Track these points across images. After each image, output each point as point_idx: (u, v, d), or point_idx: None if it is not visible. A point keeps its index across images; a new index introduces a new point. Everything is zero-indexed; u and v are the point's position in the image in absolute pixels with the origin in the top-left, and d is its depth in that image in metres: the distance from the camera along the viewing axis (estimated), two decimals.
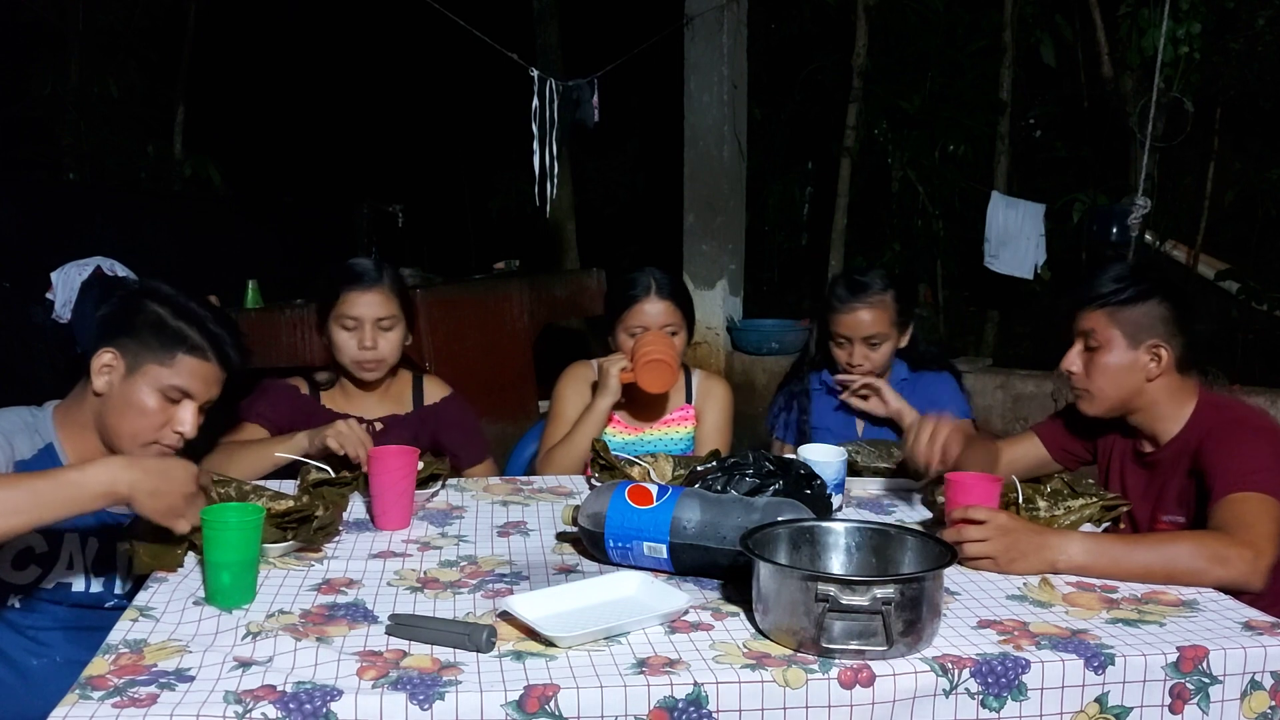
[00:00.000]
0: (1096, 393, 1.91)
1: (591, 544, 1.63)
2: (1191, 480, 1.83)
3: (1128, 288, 1.88)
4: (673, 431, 2.51)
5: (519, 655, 1.26)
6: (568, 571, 1.62)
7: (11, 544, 1.63)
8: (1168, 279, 1.96)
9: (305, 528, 1.67)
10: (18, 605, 1.66)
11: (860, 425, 2.58)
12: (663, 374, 2.30)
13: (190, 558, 1.58)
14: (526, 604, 1.37)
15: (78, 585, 1.72)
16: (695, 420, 2.52)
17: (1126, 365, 1.88)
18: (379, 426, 2.28)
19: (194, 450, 1.82)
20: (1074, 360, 1.93)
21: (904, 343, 2.55)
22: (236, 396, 2.35)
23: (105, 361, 1.70)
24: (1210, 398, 1.91)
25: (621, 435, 2.49)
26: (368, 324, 2.27)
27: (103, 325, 1.74)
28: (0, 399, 1.76)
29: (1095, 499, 1.86)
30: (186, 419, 1.72)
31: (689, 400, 2.54)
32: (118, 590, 1.77)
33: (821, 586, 1.25)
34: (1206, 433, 1.82)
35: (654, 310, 2.41)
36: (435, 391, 2.47)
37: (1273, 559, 1.60)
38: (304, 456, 2.02)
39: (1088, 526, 1.80)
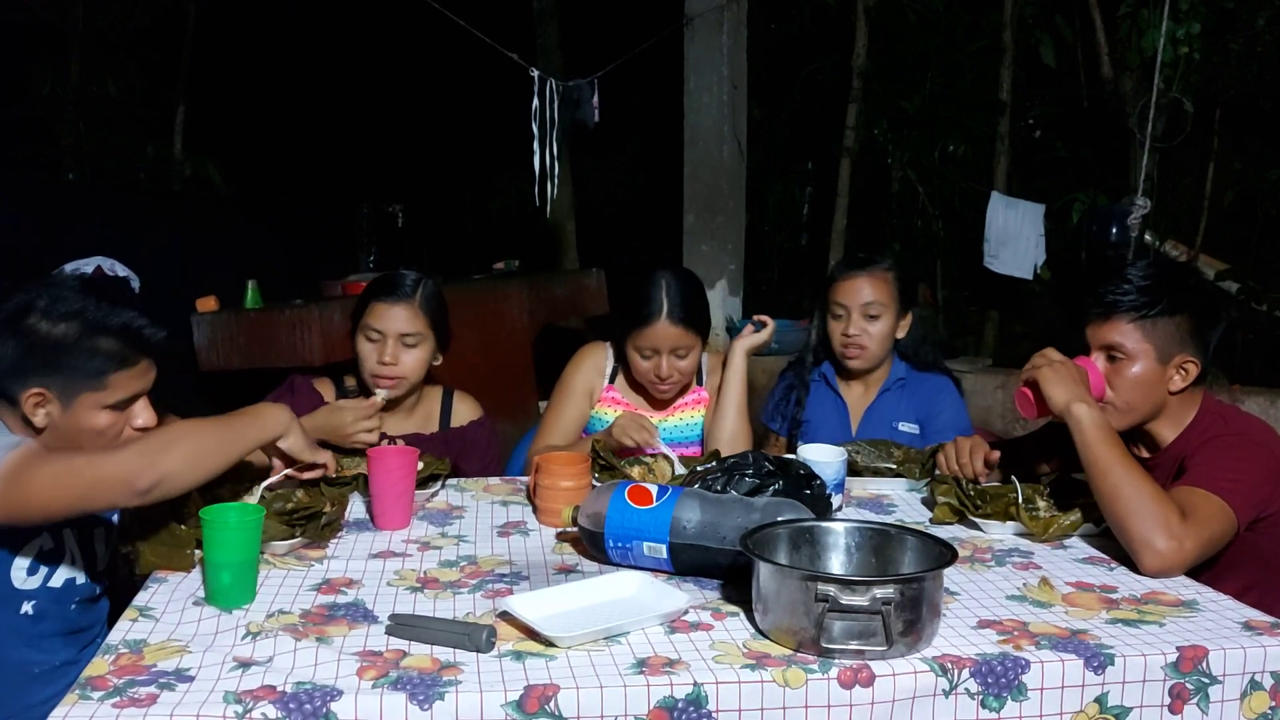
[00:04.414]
0: (1124, 406, 1.84)
1: (591, 544, 1.63)
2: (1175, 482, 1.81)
3: (1160, 299, 1.81)
4: (687, 416, 2.50)
5: (519, 655, 1.26)
6: (568, 571, 1.62)
7: (30, 546, 1.63)
8: (1196, 288, 1.89)
9: (313, 524, 1.68)
10: (30, 611, 1.66)
11: (855, 422, 2.56)
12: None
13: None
14: (526, 604, 1.37)
15: (80, 579, 1.72)
16: (709, 402, 2.50)
17: (1155, 379, 1.82)
18: (400, 444, 2.21)
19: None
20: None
21: (902, 332, 2.53)
22: (259, 396, 2.35)
23: (35, 402, 1.60)
24: (1215, 405, 1.88)
25: None
26: (390, 338, 2.22)
27: (6, 365, 1.60)
28: None
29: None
30: (141, 415, 1.68)
31: (700, 382, 2.53)
32: (100, 568, 1.77)
33: (821, 586, 1.25)
34: (1206, 441, 1.80)
35: (665, 335, 2.33)
36: (465, 413, 2.43)
37: (1190, 564, 1.62)
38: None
39: (1088, 527, 1.80)
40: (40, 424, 1.62)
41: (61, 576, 1.69)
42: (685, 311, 2.34)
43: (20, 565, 1.63)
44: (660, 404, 2.50)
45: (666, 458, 2.14)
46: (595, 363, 2.51)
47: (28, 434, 1.63)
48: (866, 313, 2.47)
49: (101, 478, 1.46)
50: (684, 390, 2.51)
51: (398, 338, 2.23)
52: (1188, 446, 1.83)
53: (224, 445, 1.58)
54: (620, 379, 2.51)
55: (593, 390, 2.50)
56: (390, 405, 2.28)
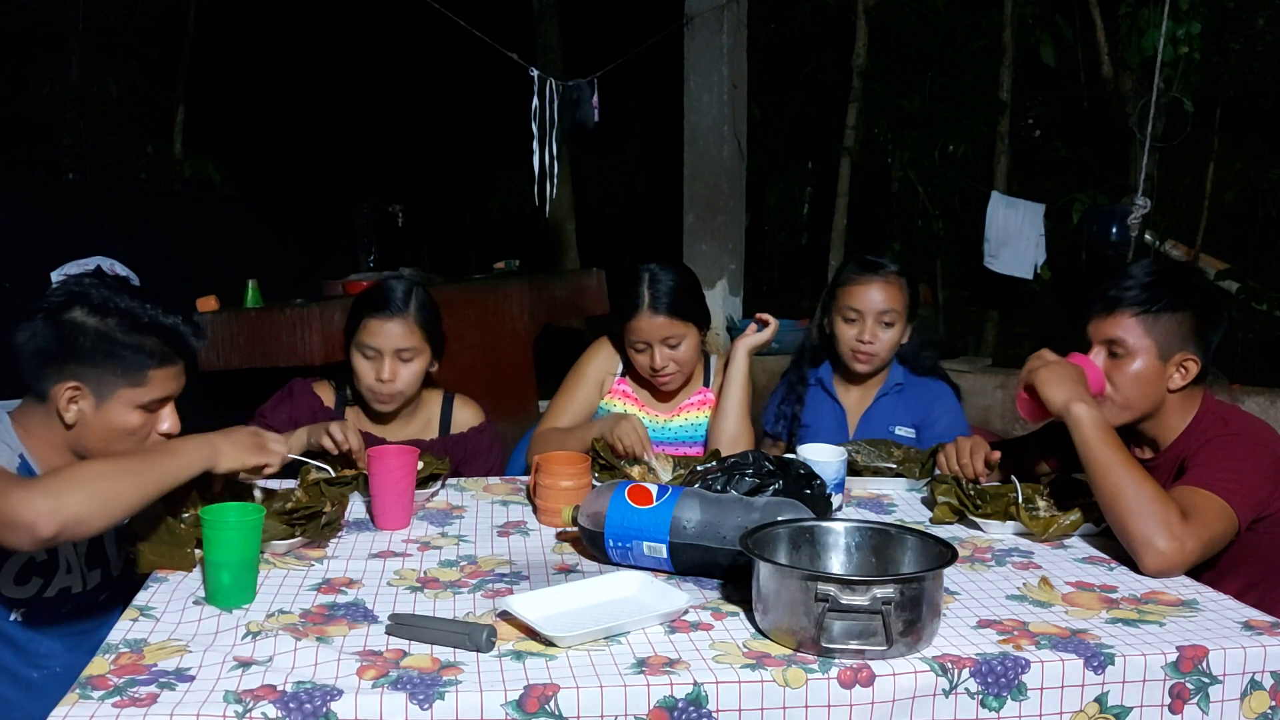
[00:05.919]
0: (1123, 403, 1.83)
1: (591, 544, 1.63)
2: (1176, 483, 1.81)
3: (1162, 295, 1.80)
4: (693, 417, 2.50)
5: (519, 655, 1.26)
6: (568, 571, 1.62)
7: (14, 560, 1.63)
8: (1200, 287, 1.89)
9: (314, 524, 1.68)
10: (20, 619, 1.66)
11: (853, 426, 2.56)
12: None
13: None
14: (526, 604, 1.37)
15: (76, 586, 1.72)
16: (715, 403, 2.50)
17: (1155, 376, 1.82)
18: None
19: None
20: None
21: (907, 338, 2.53)
22: (259, 395, 2.34)
23: (69, 396, 1.61)
24: (1215, 406, 1.87)
25: (644, 419, 2.46)
26: (387, 355, 2.21)
27: (46, 357, 1.61)
28: (2, 398, 1.76)
29: (1094, 499, 1.86)
30: (168, 420, 1.69)
31: (706, 384, 2.53)
32: (114, 573, 1.77)
33: (821, 586, 1.25)
34: (1206, 441, 1.80)
35: (650, 326, 2.34)
36: (466, 418, 2.41)
37: (1191, 564, 1.62)
38: (302, 453, 2.02)
39: (1088, 527, 1.80)
40: (71, 420, 1.62)
41: (57, 586, 1.69)
42: (668, 300, 2.34)
43: (6, 577, 1.62)
44: (667, 397, 2.50)
45: (650, 468, 2.14)
46: (610, 355, 2.53)
47: (50, 432, 1.63)
48: (882, 320, 2.45)
49: (3, 520, 1.36)
50: (690, 390, 2.51)
51: (394, 354, 2.22)
52: (1188, 447, 1.82)
53: (139, 484, 1.48)
54: (631, 373, 2.52)
55: (604, 380, 2.51)
56: (389, 413, 2.30)
